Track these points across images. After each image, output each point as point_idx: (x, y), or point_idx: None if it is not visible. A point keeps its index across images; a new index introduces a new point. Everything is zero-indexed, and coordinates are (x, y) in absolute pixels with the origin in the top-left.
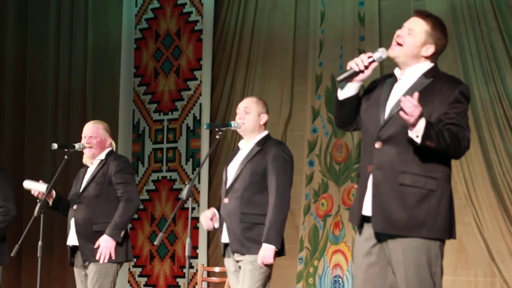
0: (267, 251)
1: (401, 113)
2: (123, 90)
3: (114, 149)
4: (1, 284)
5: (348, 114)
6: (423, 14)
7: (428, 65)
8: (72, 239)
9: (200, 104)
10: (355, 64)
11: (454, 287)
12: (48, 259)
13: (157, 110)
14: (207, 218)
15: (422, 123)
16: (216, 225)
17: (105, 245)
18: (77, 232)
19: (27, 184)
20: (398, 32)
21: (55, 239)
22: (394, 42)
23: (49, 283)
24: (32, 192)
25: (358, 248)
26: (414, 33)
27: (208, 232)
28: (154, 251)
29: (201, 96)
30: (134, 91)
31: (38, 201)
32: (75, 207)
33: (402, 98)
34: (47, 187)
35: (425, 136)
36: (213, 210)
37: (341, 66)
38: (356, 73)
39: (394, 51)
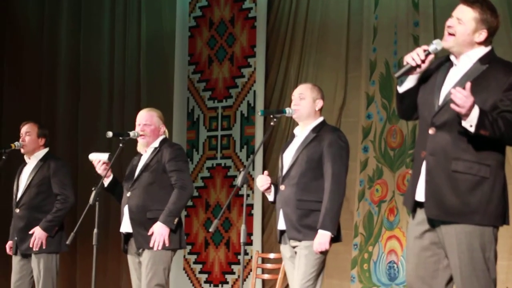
0: (323, 237)
1: (452, 105)
2: (177, 77)
3: (167, 137)
4: (58, 271)
5: (409, 105)
6: (469, 1)
7: (483, 50)
8: (126, 226)
9: (254, 91)
10: (411, 59)
11: (509, 272)
12: (103, 246)
13: (211, 98)
14: (264, 177)
15: (475, 112)
16: (270, 198)
17: (159, 232)
18: (131, 219)
19: (92, 155)
20: (448, 22)
21: (110, 227)
22: (446, 33)
23: (105, 270)
24: (94, 162)
25: (411, 232)
26: (464, 22)
27: (263, 219)
28: (209, 238)
29: (255, 83)
30: (189, 79)
31: (93, 189)
32: (128, 194)
33: (452, 90)
34: (109, 156)
35: (479, 125)
36: (267, 172)
37: (395, 52)
38: (413, 68)
39: (448, 42)
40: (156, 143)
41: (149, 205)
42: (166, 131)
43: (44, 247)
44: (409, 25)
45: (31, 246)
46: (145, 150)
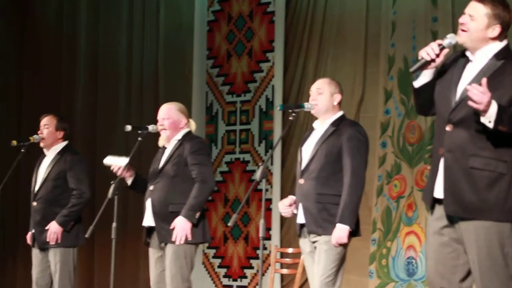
0: (341, 231)
1: (470, 102)
2: (196, 72)
3: (194, 129)
4: (75, 266)
5: (426, 100)
6: None
7: (498, 45)
8: (148, 220)
9: (273, 86)
10: (426, 53)
11: None
12: (121, 239)
13: (230, 92)
14: (285, 205)
15: (493, 108)
16: (295, 211)
17: (181, 226)
18: (154, 213)
19: (108, 160)
20: (460, 20)
21: (128, 219)
22: (459, 29)
23: (122, 263)
24: (112, 168)
25: (430, 227)
26: (476, 18)
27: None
28: (228, 233)
29: (274, 77)
30: (207, 73)
31: (112, 182)
32: (151, 188)
33: (468, 87)
34: (126, 162)
35: (498, 121)
36: (291, 197)
37: (414, 47)
38: (428, 62)
39: (461, 37)
40: (178, 136)
41: (171, 198)
42: (192, 123)
43: (60, 241)
44: (427, 20)
45: (47, 240)
46: (168, 144)
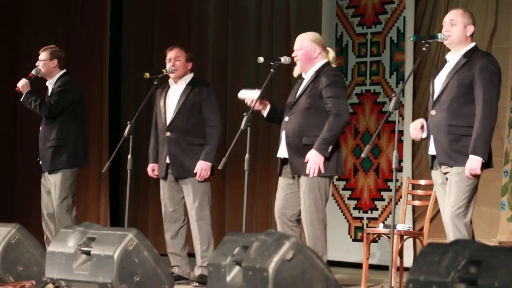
0: (474, 162)
1: None
2: (326, 4)
3: (332, 59)
4: (209, 196)
5: None
6: None
7: None
8: (283, 151)
9: (404, 17)
10: None
11: None
12: (252, 169)
13: (360, 24)
14: (417, 128)
15: None
16: (424, 135)
17: (313, 159)
18: (287, 145)
19: (241, 93)
20: None
21: (258, 149)
22: None
23: (253, 192)
24: (246, 101)
25: None
26: None
27: (413, 145)
28: (358, 165)
29: (405, 9)
30: (337, 5)
31: (244, 114)
32: (286, 119)
33: None
34: (260, 94)
35: None
36: (422, 120)
37: None
38: None
39: None
40: (315, 67)
41: (305, 130)
42: (330, 52)
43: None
44: None
45: (197, 178)
46: (305, 75)
